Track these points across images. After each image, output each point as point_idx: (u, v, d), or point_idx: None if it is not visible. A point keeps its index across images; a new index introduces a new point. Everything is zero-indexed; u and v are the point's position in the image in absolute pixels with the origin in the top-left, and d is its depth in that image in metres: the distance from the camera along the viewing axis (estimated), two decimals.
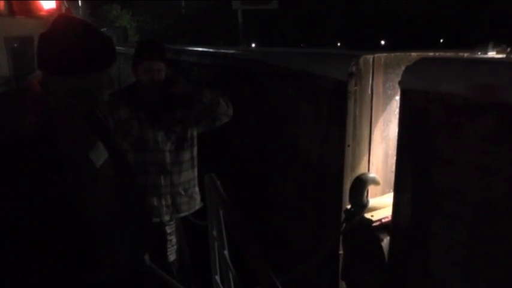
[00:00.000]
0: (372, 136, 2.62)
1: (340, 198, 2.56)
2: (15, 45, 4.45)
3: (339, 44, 20.06)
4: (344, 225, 2.46)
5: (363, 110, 2.57)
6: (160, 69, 2.81)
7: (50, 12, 5.10)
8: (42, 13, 5.07)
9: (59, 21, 1.69)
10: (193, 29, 20.06)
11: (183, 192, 2.95)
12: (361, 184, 2.40)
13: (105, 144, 1.75)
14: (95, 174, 1.67)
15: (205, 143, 3.12)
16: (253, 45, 17.16)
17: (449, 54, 2.67)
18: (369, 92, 2.58)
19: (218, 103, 2.81)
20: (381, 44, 18.71)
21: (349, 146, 2.53)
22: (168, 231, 2.99)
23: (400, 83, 2.22)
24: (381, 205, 2.45)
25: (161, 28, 21.59)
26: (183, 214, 3.02)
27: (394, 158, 2.58)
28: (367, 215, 2.38)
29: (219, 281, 2.81)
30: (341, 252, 2.57)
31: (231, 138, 3.84)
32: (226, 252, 2.57)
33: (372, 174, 2.49)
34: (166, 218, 2.91)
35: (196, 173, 3.05)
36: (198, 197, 3.06)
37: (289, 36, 18.83)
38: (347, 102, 2.52)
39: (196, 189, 3.06)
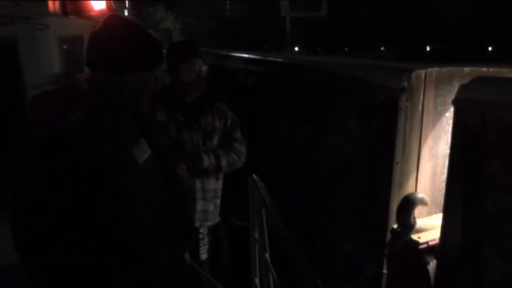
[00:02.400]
0: (421, 153, 2.54)
1: (386, 217, 2.49)
2: (67, 44, 4.53)
3: (382, 49, 19.79)
4: (390, 245, 2.39)
5: (413, 127, 2.49)
6: (202, 66, 2.85)
7: (100, 12, 5.19)
8: (93, 13, 5.16)
9: (109, 21, 1.72)
10: (238, 33, 20.15)
11: (210, 200, 2.96)
12: (409, 204, 2.32)
13: (148, 141, 1.76)
14: (137, 170, 1.68)
15: (250, 150, 3.10)
16: (296, 48, 17.14)
17: (504, 69, 2.54)
18: (420, 108, 2.50)
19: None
20: (426, 50, 18.36)
21: (397, 163, 2.46)
22: (201, 230, 3.00)
23: (453, 102, 2.14)
24: (428, 226, 2.37)
25: (205, 31, 21.75)
26: (209, 223, 3.01)
27: (442, 176, 2.50)
28: (414, 236, 2.30)
29: (258, 283, 2.78)
30: (385, 271, 2.50)
31: (275, 148, 3.81)
32: (267, 255, 2.54)
33: (420, 195, 2.41)
34: (197, 224, 2.91)
35: (220, 186, 3.04)
36: (218, 210, 3.05)
37: (333, 41, 18.71)
38: (397, 118, 2.45)
39: (218, 201, 3.04)
